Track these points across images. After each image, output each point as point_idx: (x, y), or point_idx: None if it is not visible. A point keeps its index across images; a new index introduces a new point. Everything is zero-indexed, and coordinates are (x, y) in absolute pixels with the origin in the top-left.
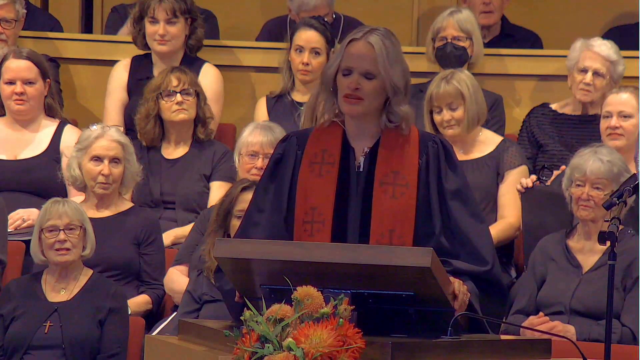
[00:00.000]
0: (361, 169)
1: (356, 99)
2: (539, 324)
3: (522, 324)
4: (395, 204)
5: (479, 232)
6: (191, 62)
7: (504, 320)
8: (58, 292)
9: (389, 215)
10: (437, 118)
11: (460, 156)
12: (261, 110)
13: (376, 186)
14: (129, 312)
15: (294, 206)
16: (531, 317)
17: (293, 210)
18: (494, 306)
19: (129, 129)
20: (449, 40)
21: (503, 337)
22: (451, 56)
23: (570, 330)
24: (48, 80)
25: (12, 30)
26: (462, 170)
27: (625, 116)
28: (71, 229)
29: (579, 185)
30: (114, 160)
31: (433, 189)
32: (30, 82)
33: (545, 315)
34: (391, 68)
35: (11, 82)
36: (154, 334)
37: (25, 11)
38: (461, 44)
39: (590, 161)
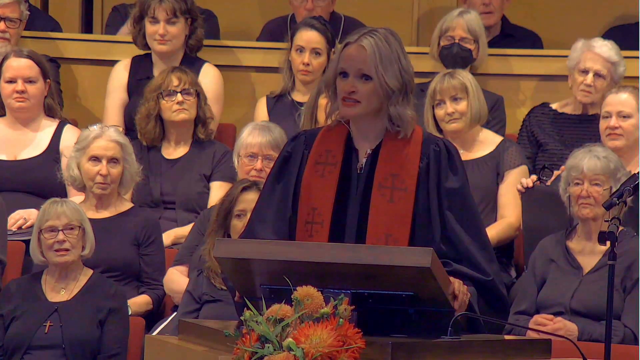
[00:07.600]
0: (362, 171)
1: (353, 102)
2: (543, 323)
3: (529, 323)
4: (392, 208)
5: (478, 245)
6: (191, 62)
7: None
8: (58, 292)
9: (385, 219)
10: (439, 112)
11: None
12: (261, 110)
13: (374, 189)
14: (129, 312)
15: (298, 205)
16: (542, 315)
17: (297, 209)
18: (493, 315)
19: (129, 129)
20: (457, 41)
21: (503, 337)
22: (457, 57)
23: (572, 328)
24: (48, 80)
25: (16, 29)
26: (464, 174)
27: (625, 116)
28: (70, 229)
29: (577, 184)
30: (112, 160)
31: (432, 193)
32: (31, 81)
33: None
34: (384, 70)
35: (12, 81)
36: (154, 334)
37: (28, 13)
38: (468, 45)
39: (586, 159)
